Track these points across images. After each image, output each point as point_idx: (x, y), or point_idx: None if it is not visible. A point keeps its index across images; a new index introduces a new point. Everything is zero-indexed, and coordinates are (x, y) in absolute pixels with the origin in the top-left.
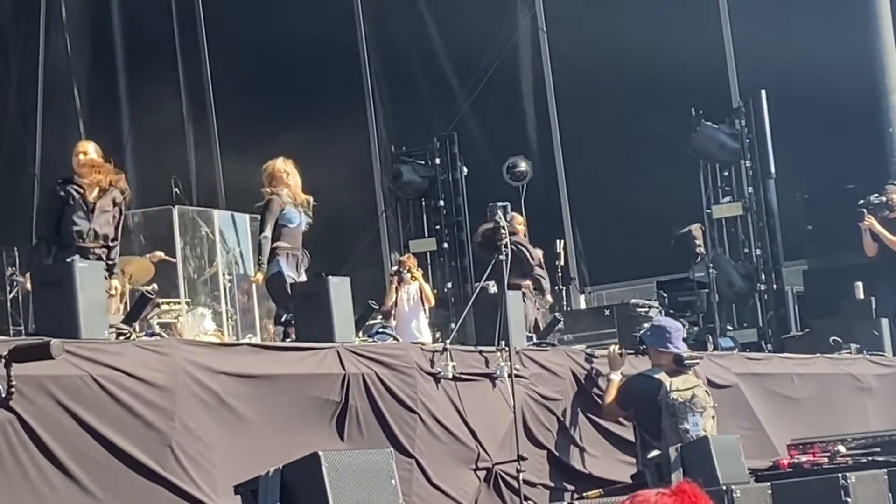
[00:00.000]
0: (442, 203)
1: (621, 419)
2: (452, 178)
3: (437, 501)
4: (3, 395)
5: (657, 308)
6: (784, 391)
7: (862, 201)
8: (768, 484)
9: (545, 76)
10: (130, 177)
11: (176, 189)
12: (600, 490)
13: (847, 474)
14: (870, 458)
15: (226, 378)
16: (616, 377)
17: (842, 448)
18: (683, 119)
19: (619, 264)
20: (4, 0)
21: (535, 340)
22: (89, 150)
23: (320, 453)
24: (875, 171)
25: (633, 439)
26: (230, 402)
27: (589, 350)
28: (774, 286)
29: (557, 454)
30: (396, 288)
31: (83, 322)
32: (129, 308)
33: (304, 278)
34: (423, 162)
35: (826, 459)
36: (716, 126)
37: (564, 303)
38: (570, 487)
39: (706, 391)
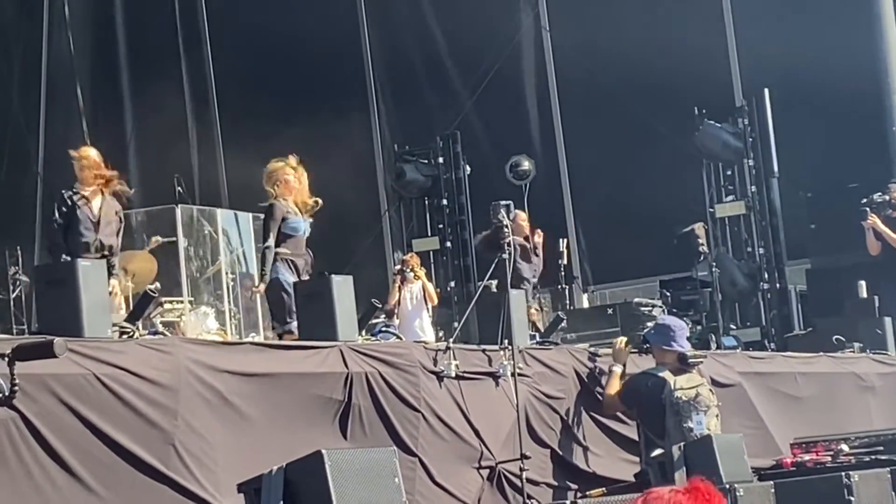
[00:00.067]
0: (445, 202)
1: (621, 414)
2: (455, 176)
3: (441, 500)
4: (7, 394)
5: (660, 307)
6: (787, 390)
7: (865, 200)
8: (771, 483)
9: (548, 75)
10: (133, 175)
11: (179, 188)
12: (603, 489)
13: (850, 473)
14: (873, 457)
15: (229, 377)
16: (617, 369)
17: (845, 447)
18: (686, 118)
19: (622, 263)
20: None
21: (538, 339)
22: (90, 156)
23: (323, 452)
24: (878, 169)
25: (636, 438)
26: (233, 401)
27: (592, 349)
28: (777, 285)
29: (560, 453)
30: (399, 287)
31: (86, 321)
32: (130, 307)
33: (305, 278)
34: (426, 161)
35: (829, 458)
36: (719, 125)
37: (567, 302)
38: (574, 486)
39: (710, 390)
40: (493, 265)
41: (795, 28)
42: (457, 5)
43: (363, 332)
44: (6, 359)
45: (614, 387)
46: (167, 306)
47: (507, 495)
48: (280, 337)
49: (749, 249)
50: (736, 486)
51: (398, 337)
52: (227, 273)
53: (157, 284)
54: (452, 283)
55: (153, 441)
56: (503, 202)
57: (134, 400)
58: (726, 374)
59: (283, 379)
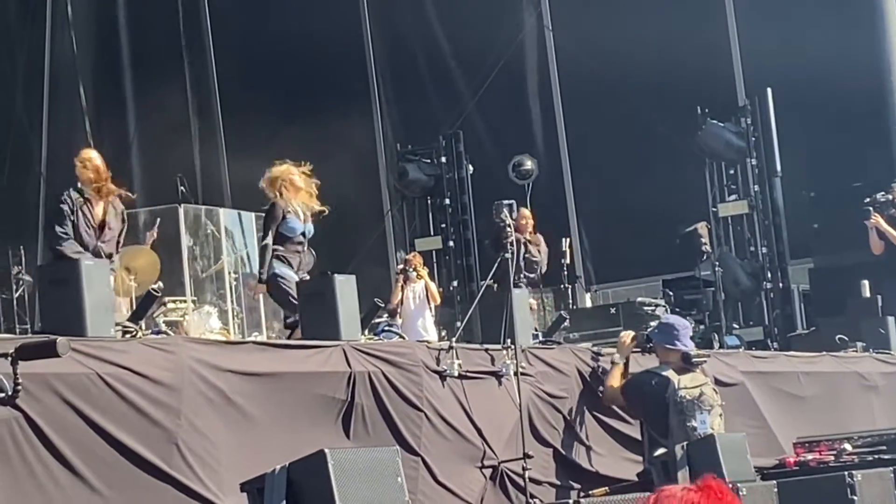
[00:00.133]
0: (448, 201)
1: (624, 414)
2: (458, 176)
3: (443, 499)
4: (10, 393)
5: (663, 306)
6: (790, 389)
7: (868, 199)
8: (774, 482)
9: (551, 75)
10: (136, 175)
11: (182, 187)
12: (606, 488)
13: (853, 472)
14: (876, 456)
15: (232, 376)
16: (620, 361)
17: (848, 446)
18: (689, 117)
19: (625, 262)
20: None
21: (541, 338)
22: (93, 159)
23: (326, 451)
24: (881, 169)
25: (639, 437)
26: (236, 400)
27: (595, 348)
28: (780, 284)
29: (563, 452)
30: (402, 286)
31: (89, 320)
32: (133, 306)
33: (306, 277)
34: (428, 160)
35: (832, 457)
36: (722, 124)
37: (570, 301)
38: (576, 485)
39: (714, 389)
40: (496, 264)
41: (798, 27)
42: (459, 5)
43: (366, 332)
44: (9, 358)
45: (616, 379)
46: (170, 306)
47: (510, 495)
48: (292, 329)
49: (752, 249)
50: (739, 485)
51: (401, 336)
52: (230, 272)
53: (160, 284)
54: (455, 283)
55: (156, 440)
56: (506, 201)
57: (137, 399)
58: (729, 374)
59: (286, 378)
